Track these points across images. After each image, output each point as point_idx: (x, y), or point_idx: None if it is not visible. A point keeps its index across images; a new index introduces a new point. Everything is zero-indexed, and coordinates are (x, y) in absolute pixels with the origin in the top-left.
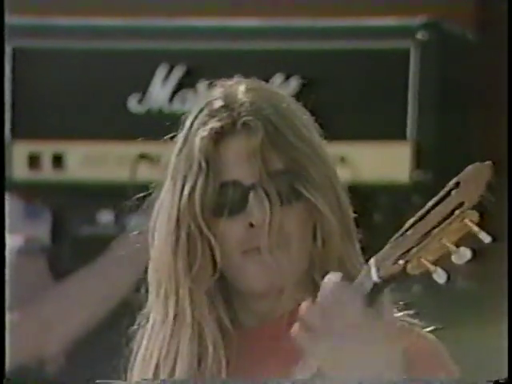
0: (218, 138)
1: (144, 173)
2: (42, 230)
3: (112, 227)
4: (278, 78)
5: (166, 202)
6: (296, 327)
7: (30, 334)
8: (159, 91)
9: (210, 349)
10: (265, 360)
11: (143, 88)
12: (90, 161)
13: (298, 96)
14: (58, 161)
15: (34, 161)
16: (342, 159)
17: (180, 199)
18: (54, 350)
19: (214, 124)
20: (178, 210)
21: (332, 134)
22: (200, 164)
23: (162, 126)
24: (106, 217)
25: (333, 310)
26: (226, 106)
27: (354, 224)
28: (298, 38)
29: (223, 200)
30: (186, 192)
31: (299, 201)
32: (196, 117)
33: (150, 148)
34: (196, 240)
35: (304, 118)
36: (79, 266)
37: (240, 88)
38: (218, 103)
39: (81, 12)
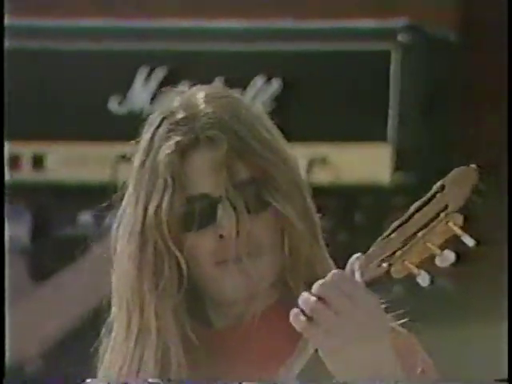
0: (182, 152)
1: (124, 173)
2: (22, 231)
3: (92, 228)
4: (259, 80)
5: (128, 215)
6: (295, 314)
7: (9, 334)
8: (140, 93)
9: (174, 365)
10: (237, 360)
11: (124, 90)
12: (70, 161)
13: (280, 97)
14: (38, 161)
15: (14, 161)
16: (324, 160)
17: (145, 216)
18: (34, 350)
19: (177, 139)
20: (143, 226)
21: (314, 135)
22: (166, 181)
23: (142, 127)
24: (86, 217)
25: (343, 305)
26: (186, 119)
27: (320, 227)
28: (280, 40)
29: (191, 214)
30: (151, 210)
31: (267, 209)
32: (157, 129)
33: (130, 149)
34: (163, 257)
35: (265, 122)
36: (59, 266)
37: (199, 97)
38: (179, 115)
39: (61, 14)
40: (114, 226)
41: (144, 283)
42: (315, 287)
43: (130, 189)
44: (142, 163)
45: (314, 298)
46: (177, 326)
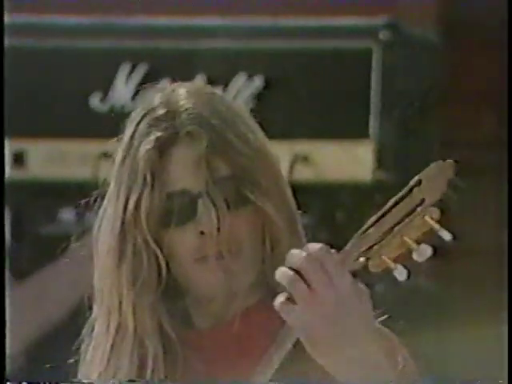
0: (161, 148)
1: (106, 171)
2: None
3: (73, 226)
4: (240, 77)
5: (109, 211)
6: (280, 298)
7: None
8: (122, 90)
9: (150, 362)
10: (219, 360)
11: (105, 86)
12: (51, 159)
13: (261, 95)
14: (18, 159)
15: None
16: (305, 158)
17: (124, 212)
18: (15, 349)
19: (157, 135)
20: (123, 222)
21: (295, 132)
22: (145, 177)
23: (124, 124)
24: (67, 215)
25: (321, 279)
26: (167, 115)
27: (300, 223)
28: (262, 37)
29: (171, 210)
30: (130, 206)
31: (246, 205)
32: (137, 125)
33: (112, 146)
34: (142, 253)
35: (246, 118)
36: (40, 265)
37: (180, 93)
38: (159, 111)
39: (42, 10)
40: (96, 222)
41: (122, 280)
42: (295, 256)
43: (111, 185)
44: (123, 159)
45: (291, 272)
46: (155, 324)
